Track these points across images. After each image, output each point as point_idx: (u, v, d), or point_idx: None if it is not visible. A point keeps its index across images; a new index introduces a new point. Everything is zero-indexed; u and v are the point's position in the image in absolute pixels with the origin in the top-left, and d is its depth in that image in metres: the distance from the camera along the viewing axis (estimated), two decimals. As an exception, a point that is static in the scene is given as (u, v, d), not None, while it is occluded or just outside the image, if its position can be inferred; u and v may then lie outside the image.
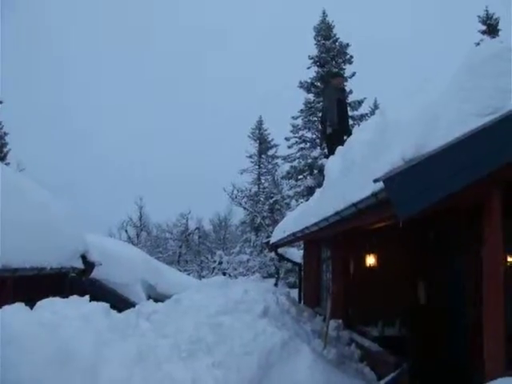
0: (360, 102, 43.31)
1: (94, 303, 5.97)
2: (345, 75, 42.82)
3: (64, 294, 6.40)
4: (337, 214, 9.05)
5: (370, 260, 11.83)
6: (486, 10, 39.69)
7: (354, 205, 7.88)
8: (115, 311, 6.54)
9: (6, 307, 5.16)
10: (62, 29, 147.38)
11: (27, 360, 4.29)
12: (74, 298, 6.18)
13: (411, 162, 5.96)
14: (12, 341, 4.42)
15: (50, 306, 5.57)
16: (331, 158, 12.55)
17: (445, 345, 10.10)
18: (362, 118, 42.26)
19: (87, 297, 6.32)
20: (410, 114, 7.33)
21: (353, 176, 9.01)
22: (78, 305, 5.81)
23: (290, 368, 7.53)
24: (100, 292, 15.17)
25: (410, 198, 5.82)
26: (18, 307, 5.22)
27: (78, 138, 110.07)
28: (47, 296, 6.23)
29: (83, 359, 4.65)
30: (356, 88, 43.26)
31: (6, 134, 44.56)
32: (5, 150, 44.26)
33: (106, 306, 6.01)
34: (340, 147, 12.04)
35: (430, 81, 8.80)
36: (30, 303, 5.65)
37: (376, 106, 46.33)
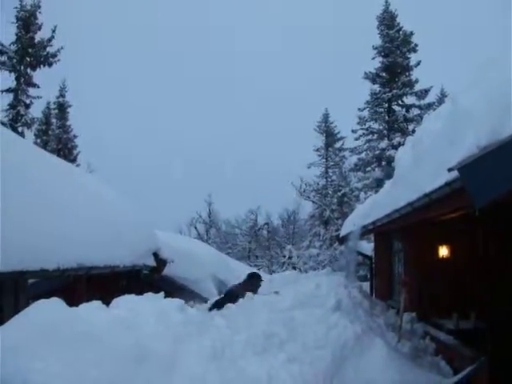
0: (426, 91, 42.46)
1: (169, 299, 6.02)
2: (410, 64, 42.15)
3: (137, 291, 6.48)
4: (409, 204, 8.91)
5: (443, 251, 11.60)
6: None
7: (427, 195, 7.73)
8: (189, 307, 6.58)
9: (83, 305, 5.24)
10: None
11: (107, 357, 4.33)
12: (149, 294, 6.23)
13: (486, 149, 5.77)
14: (91, 339, 4.48)
15: (126, 302, 5.63)
16: (401, 148, 12.36)
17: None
18: (429, 106, 41.48)
19: (162, 293, 6.37)
20: (482, 101, 7.11)
21: (424, 166, 8.83)
22: (154, 301, 5.86)
23: (363, 362, 7.44)
24: (172, 288, 15.35)
25: (487, 186, 5.63)
26: (95, 305, 5.29)
27: (139, 131, 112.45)
28: (120, 293, 6.31)
29: (160, 355, 4.68)
30: (422, 76, 42.46)
31: (75, 136, 45.65)
32: (74, 152, 45.30)
33: (181, 302, 6.04)
34: (410, 137, 11.87)
35: (496, 62, 8.51)
36: (104, 300, 5.73)
37: (443, 94, 45.44)
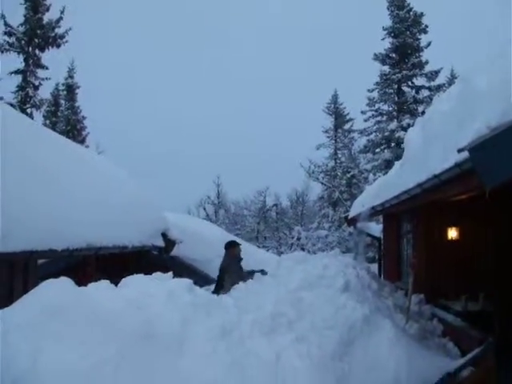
0: (436, 73, 42.23)
1: (178, 279, 6.00)
2: (420, 45, 41.84)
3: (146, 272, 6.48)
4: (418, 186, 8.87)
5: (452, 233, 11.58)
6: None
7: (437, 176, 7.69)
8: (197, 287, 6.58)
9: (92, 285, 5.25)
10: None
11: (114, 337, 4.35)
12: (158, 274, 6.24)
13: (497, 129, 5.71)
14: (99, 318, 4.50)
15: (135, 282, 5.64)
16: (411, 129, 12.30)
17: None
18: (438, 88, 41.26)
19: (170, 273, 6.36)
20: (493, 81, 7.05)
21: (434, 147, 8.78)
22: (162, 281, 5.86)
23: (371, 343, 7.45)
24: (181, 269, 15.39)
25: (497, 167, 5.58)
26: (104, 285, 5.30)
27: (148, 115, 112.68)
28: (129, 274, 6.32)
29: (168, 335, 4.69)
30: (432, 58, 42.19)
31: (84, 117, 45.79)
32: (83, 133, 45.46)
33: (190, 282, 6.04)
34: (419, 118, 11.81)
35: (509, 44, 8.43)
36: (113, 280, 5.74)
37: (453, 76, 45.16)
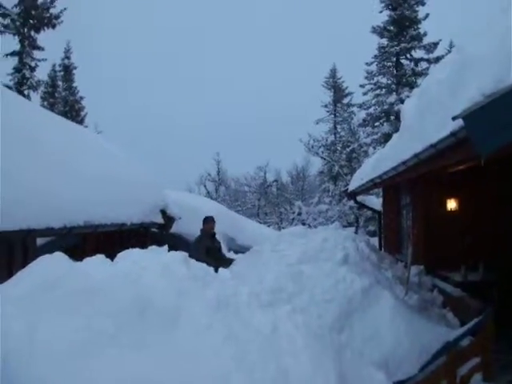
0: (435, 44, 41.95)
1: (173, 252, 6.00)
2: (418, 17, 41.46)
3: (145, 248, 6.50)
4: (415, 156, 8.85)
5: (451, 204, 11.58)
6: None
7: (433, 146, 7.67)
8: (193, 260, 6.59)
9: (88, 259, 5.27)
10: None
11: (109, 310, 4.37)
12: (153, 248, 6.25)
13: (491, 96, 5.67)
14: (94, 292, 4.51)
15: (130, 256, 5.65)
16: (408, 100, 12.25)
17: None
18: (437, 60, 40.97)
19: (166, 247, 6.37)
20: (488, 49, 7.00)
21: (430, 116, 8.75)
22: (157, 255, 5.87)
23: (371, 314, 7.47)
24: (181, 246, 15.39)
25: (492, 134, 5.54)
26: (99, 259, 5.32)
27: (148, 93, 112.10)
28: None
29: (163, 308, 4.70)
30: (430, 30, 41.84)
31: (82, 98, 45.71)
32: (82, 113, 45.41)
33: (185, 254, 6.05)
34: (416, 89, 11.76)
35: (507, 10, 8.36)
36: (112, 257, 5.76)
37: (452, 47, 44.85)
